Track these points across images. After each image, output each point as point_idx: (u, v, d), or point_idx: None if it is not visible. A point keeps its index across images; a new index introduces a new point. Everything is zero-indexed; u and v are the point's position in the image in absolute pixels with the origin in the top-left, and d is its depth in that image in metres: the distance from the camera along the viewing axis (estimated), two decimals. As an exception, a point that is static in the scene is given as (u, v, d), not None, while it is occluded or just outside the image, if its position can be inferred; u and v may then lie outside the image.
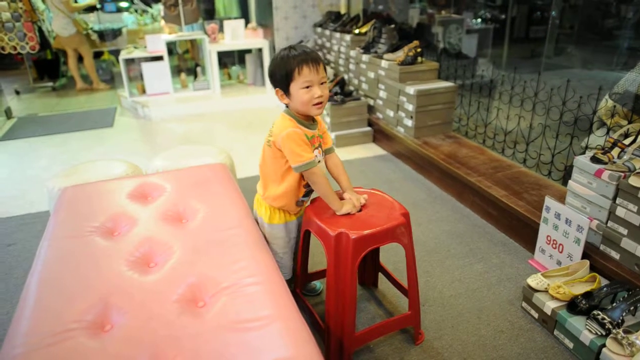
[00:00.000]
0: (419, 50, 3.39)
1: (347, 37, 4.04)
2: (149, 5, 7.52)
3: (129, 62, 5.88)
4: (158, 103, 4.71)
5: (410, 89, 3.17)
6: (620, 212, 1.84)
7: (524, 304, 1.92)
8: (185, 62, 6.80)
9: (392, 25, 3.75)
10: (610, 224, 1.91)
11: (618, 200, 1.84)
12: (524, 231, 2.34)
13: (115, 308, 1.29)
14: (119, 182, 2.12)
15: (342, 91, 3.72)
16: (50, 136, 4.29)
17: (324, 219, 1.59)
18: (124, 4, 7.06)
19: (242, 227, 1.70)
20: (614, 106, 2.49)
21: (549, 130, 2.66)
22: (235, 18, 7.17)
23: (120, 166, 2.42)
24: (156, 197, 1.99)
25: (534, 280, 1.87)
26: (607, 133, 2.36)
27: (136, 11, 6.83)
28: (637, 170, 1.79)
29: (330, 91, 3.88)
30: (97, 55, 6.70)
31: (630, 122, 2.21)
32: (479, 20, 5.98)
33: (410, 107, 3.22)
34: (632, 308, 1.66)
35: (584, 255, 1.95)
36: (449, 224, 2.58)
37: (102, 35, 6.23)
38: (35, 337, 1.20)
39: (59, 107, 5.32)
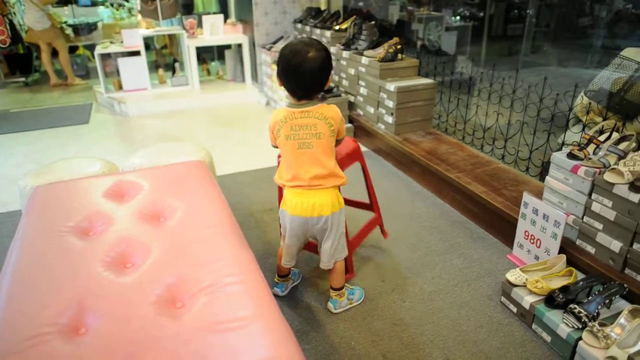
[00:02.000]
0: (399, 47, 3.39)
1: (328, 33, 4.02)
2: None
3: (105, 57, 5.75)
4: (135, 99, 4.61)
5: (391, 86, 3.18)
6: (595, 207, 1.87)
7: (503, 299, 1.94)
8: (163, 58, 6.68)
9: (373, 22, 3.75)
10: (586, 219, 1.94)
11: (593, 196, 1.88)
12: (502, 226, 2.37)
13: (90, 311, 1.26)
14: (94, 181, 2.06)
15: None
16: (23, 133, 4.16)
17: None
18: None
19: (221, 226, 1.67)
20: (589, 103, 2.54)
21: (527, 127, 2.69)
22: (214, 13, 7.09)
23: (95, 164, 2.36)
24: (133, 196, 1.94)
25: (512, 275, 1.90)
26: (583, 129, 2.40)
27: (112, 5, 6.67)
28: (612, 167, 1.82)
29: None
30: (72, 50, 6.53)
31: (604, 119, 2.26)
32: (458, 17, 6.04)
33: (390, 104, 3.23)
34: (607, 301, 1.70)
35: (561, 250, 1.99)
36: (429, 220, 2.60)
37: (77, 29, 6.07)
38: (6, 342, 1.16)
39: (32, 103, 5.16)
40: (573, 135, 2.60)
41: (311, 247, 2.05)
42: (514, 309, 1.88)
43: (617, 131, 2.09)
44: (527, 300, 1.80)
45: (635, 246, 1.77)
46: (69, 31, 6.01)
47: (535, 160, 2.65)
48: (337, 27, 4.01)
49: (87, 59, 6.73)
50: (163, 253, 1.51)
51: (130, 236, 1.62)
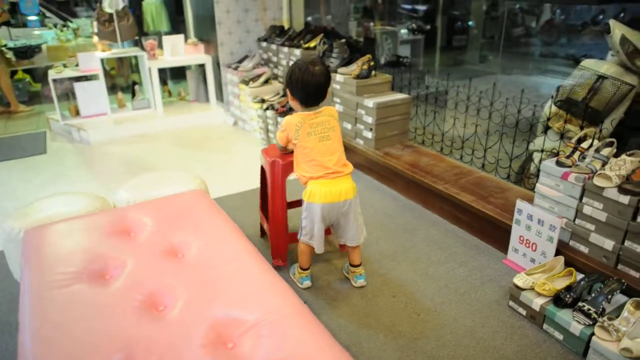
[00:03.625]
0: (372, 63, 3.49)
1: (297, 51, 4.05)
2: (67, 20, 7.01)
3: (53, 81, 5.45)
4: (95, 125, 4.39)
5: (370, 102, 3.26)
6: (587, 210, 2.03)
7: (511, 303, 2.04)
8: (112, 79, 6.42)
9: (343, 40, 3.83)
10: (578, 221, 2.09)
11: (584, 200, 2.03)
12: (494, 233, 2.49)
13: (141, 362, 1.20)
14: (92, 219, 1.95)
15: (297, 106, 3.73)
16: (-28, 168, 3.84)
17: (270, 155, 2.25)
18: (45, 20, 6.51)
19: (245, 259, 1.64)
20: (559, 112, 2.75)
21: (502, 135, 2.86)
22: (166, 33, 6.90)
23: (83, 200, 2.22)
24: (139, 232, 1.86)
25: (520, 280, 2.00)
26: (561, 137, 2.59)
27: (55, 26, 6.32)
28: (600, 172, 1.98)
29: (283, 106, 3.87)
30: (11, 74, 6.10)
31: (582, 128, 2.45)
32: (406, 31, 6.29)
33: (369, 120, 3.31)
34: (609, 297, 1.83)
35: (557, 252, 2.12)
36: (422, 231, 2.68)
37: (18, 53, 5.69)
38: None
39: (-26, 134, 4.77)
40: (544, 141, 2.80)
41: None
42: (523, 312, 1.99)
43: (598, 139, 2.27)
44: (537, 302, 1.91)
45: (627, 243, 1.93)
46: (9, 55, 5.63)
47: (515, 167, 2.82)
48: (305, 46, 4.05)
49: (29, 84, 6.32)
50: (194, 292, 1.46)
51: (152, 277, 1.55)
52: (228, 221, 1.91)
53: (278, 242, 2.33)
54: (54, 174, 3.68)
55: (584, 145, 2.20)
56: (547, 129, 2.91)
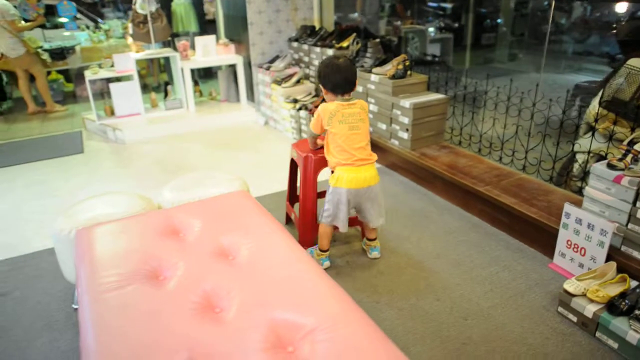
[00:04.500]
0: (407, 63, 3.46)
1: (329, 51, 4.04)
2: (95, 21, 7.15)
3: (81, 81, 5.59)
4: (130, 125, 4.47)
5: (406, 102, 3.23)
6: (641, 214, 1.96)
7: (561, 309, 2.00)
8: (143, 79, 6.52)
9: (377, 40, 3.81)
10: (631, 226, 2.03)
11: (638, 204, 1.97)
12: (538, 236, 2.44)
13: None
14: (140, 219, 1.98)
15: (330, 106, 3.72)
16: (12, 167, 3.95)
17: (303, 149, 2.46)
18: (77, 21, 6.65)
19: (298, 263, 1.63)
20: (606, 113, 2.67)
21: (544, 136, 2.80)
22: (194, 33, 6.99)
23: (129, 200, 2.26)
24: (188, 233, 1.88)
25: (570, 286, 1.95)
26: (610, 139, 2.52)
27: (88, 27, 6.46)
28: (655, 175, 1.92)
29: (316, 106, 3.87)
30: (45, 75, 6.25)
31: (632, 130, 2.37)
32: (439, 29, 6.21)
33: (405, 120, 3.28)
34: (667, 305, 1.77)
35: (607, 257, 2.06)
36: (463, 234, 2.64)
37: (54, 54, 5.83)
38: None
39: (11, 133, 4.91)
40: (586, 142, 2.73)
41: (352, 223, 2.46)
42: (574, 319, 1.94)
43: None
44: (590, 309, 1.86)
45: (685, 250, 1.86)
46: (45, 56, 5.77)
47: (557, 168, 2.76)
48: (338, 45, 4.04)
49: (62, 84, 6.48)
50: (250, 295, 1.47)
51: (206, 278, 1.56)
52: (275, 223, 1.91)
53: (306, 231, 2.49)
54: (92, 172, 3.76)
55: (637, 147, 2.13)
56: (591, 129, 2.83)
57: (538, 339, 1.87)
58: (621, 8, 4.27)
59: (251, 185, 3.32)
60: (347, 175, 2.18)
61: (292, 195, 2.78)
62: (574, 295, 1.93)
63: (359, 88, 3.74)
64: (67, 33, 6.61)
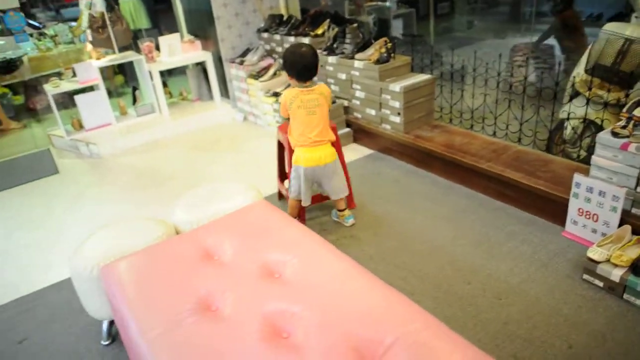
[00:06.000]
0: (389, 46, 3.44)
1: (305, 40, 3.96)
2: (36, 27, 6.64)
3: (33, 93, 5.26)
4: (103, 137, 4.24)
5: (396, 87, 3.22)
6: (650, 178, 2.07)
7: (585, 276, 2.10)
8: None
9: (355, 25, 3.75)
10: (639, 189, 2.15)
11: (646, 168, 2.08)
12: (547, 207, 2.53)
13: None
14: (166, 247, 1.90)
15: (315, 97, 3.66)
16: (-15, 198, 3.67)
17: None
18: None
19: (346, 271, 1.63)
20: (591, 79, 2.77)
21: (514, 103, 2.90)
22: (147, 29, 6.65)
23: (145, 227, 2.14)
24: (223, 255, 1.82)
25: (594, 253, 2.05)
26: (587, 103, 2.63)
27: (31, 35, 5.99)
28: (660, 139, 2.02)
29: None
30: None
31: (627, 95, 2.48)
32: (400, 3, 6.19)
33: (396, 104, 3.28)
34: (685, 261, 1.90)
35: (621, 221, 2.18)
36: (473, 213, 2.71)
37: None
38: None
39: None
40: (576, 108, 2.84)
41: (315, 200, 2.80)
42: (600, 284, 2.04)
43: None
44: (616, 273, 1.96)
45: (694, 206, 1.99)
46: (-10, 71, 5.34)
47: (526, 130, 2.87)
48: (313, 33, 3.96)
49: (11, 98, 6.03)
50: (315, 315, 1.44)
51: (260, 302, 1.53)
52: (310, 233, 1.88)
53: (298, 205, 2.68)
54: (75, 194, 3.55)
55: (637, 113, 2.23)
56: (577, 95, 2.94)
57: (572, 308, 1.97)
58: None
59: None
60: (304, 155, 2.46)
61: (282, 173, 3.03)
62: (598, 263, 2.03)
63: (342, 75, 3.70)
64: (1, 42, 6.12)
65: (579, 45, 4.08)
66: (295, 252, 1.75)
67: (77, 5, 6.12)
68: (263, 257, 1.75)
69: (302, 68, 2.39)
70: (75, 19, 6.01)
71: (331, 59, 3.74)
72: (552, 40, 4.44)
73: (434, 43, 5.94)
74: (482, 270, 2.24)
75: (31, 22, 6.90)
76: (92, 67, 4.21)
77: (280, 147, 2.91)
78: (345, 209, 2.70)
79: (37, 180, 3.87)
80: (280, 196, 3.07)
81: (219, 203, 2.27)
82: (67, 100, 5.21)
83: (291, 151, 2.59)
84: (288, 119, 2.53)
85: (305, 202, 2.59)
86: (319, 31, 3.98)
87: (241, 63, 4.32)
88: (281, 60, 4.24)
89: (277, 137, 2.88)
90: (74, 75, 4.32)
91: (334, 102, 3.69)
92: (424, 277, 2.24)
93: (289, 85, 3.76)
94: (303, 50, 2.40)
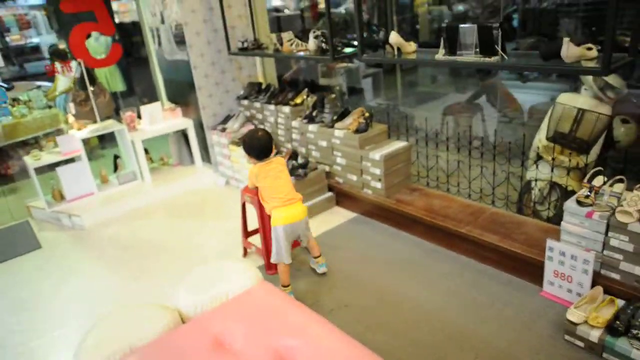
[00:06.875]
0: (366, 115, 3.68)
1: (286, 109, 4.17)
2: (7, 88, 6.63)
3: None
4: (86, 208, 4.24)
5: (376, 155, 3.44)
6: (614, 242, 2.31)
7: (567, 337, 2.27)
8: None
9: (333, 95, 4.00)
10: (606, 252, 2.37)
11: (610, 234, 2.32)
12: (525, 268, 2.73)
13: None
14: (176, 338, 1.96)
15: (298, 164, 3.84)
16: (-36, 279, 3.58)
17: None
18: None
19: (352, 353, 1.73)
20: (553, 147, 3.06)
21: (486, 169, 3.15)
22: (121, 92, 6.75)
23: (149, 316, 2.15)
24: (234, 343, 1.89)
25: (573, 316, 2.23)
26: (569, 172, 2.91)
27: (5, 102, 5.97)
28: (619, 209, 2.27)
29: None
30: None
31: (586, 163, 2.77)
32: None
33: (377, 171, 3.49)
34: (653, 320, 2.11)
35: (593, 281, 2.39)
36: (457, 276, 2.87)
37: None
38: None
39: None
40: (538, 172, 3.12)
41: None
42: (581, 344, 2.22)
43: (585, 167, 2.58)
44: (594, 334, 2.14)
45: (655, 268, 2.22)
46: (-39, 141, 5.27)
47: (498, 194, 3.11)
48: (293, 103, 4.18)
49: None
50: (330, 403, 1.54)
51: (277, 393, 1.60)
52: (315, 316, 1.98)
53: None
54: (64, 272, 3.51)
55: (596, 182, 2.50)
56: (540, 159, 3.23)
57: (557, 370, 2.12)
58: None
59: (237, 253, 3.33)
60: (282, 214, 2.74)
61: (246, 233, 3.36)
62: (577, 324, 2.21)
63: (323, 143, 3.90)
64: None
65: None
66: (303, 337, 1.85)
67: (41, 60, 6.27)
68: (273, 345, 1.83)
69: (260, 151, 2.79)
70: (39, 74, 6.11)
71: (312, 127, 3.95)
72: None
73: (401, 97, 6.31)
74: (473, 336, 2.38)
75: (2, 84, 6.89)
76: (74, 139, 4.26)
77: (243, 207, 3.28)
78: (319, 256, 3.03)
79: (20, 257, 3.80)
80: (245, 253, 3.38)
81: (220, 284, 2.33)
82: (44, 167, 5.20)
83: (261, 207, 2.91)
84: (256, 187, 2.87)
85: (288, 260, 2.81)
86: (298, 100, 4.21)
87: (223, 130, 4.47)
88: (266, 128, 4.44)
89: (241, 199, 3.24)
90: (55, 146, 4.35)
91: (315, 168, 3.88)
92: (418, 344, 2.36)
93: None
94: (259, 134, 2.81)
